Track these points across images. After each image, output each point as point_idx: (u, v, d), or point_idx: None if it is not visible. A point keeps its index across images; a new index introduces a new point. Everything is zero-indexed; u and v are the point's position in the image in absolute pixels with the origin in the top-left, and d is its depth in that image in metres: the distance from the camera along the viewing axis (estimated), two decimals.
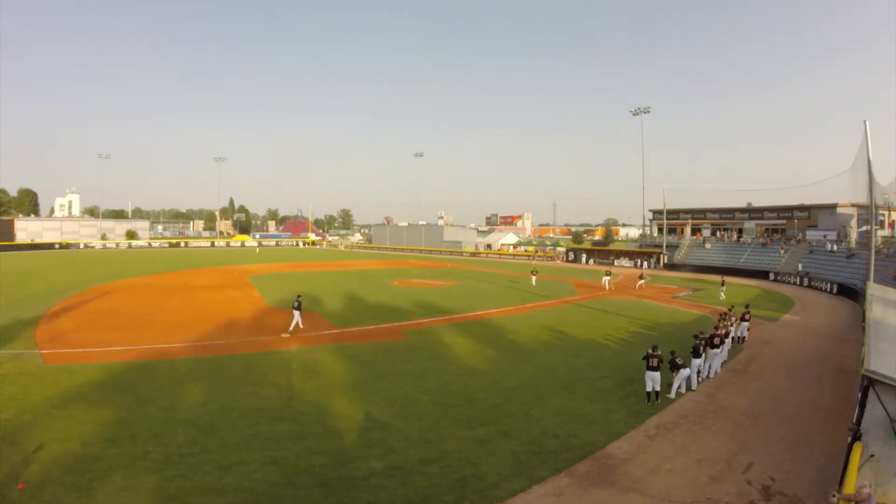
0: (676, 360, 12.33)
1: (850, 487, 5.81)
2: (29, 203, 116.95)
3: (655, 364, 11.75)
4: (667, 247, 55.01)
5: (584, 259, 60.91)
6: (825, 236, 46.78)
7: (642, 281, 35.61)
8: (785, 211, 53.84)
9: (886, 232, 44.81)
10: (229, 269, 41.95)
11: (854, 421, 7.49)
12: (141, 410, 10.73)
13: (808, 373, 15.02)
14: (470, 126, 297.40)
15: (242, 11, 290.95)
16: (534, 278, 37.33)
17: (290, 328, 18.80)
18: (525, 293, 32.09)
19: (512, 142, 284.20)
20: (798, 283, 39.90)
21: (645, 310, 26.39)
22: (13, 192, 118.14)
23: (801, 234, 50.10)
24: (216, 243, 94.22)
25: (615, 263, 56.62)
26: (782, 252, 46.07)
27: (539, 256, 66.79)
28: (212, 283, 35.28)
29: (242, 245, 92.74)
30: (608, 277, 35.70)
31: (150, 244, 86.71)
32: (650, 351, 12.14)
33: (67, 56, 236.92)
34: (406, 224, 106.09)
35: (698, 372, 13.32)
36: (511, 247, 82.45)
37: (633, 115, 59.96)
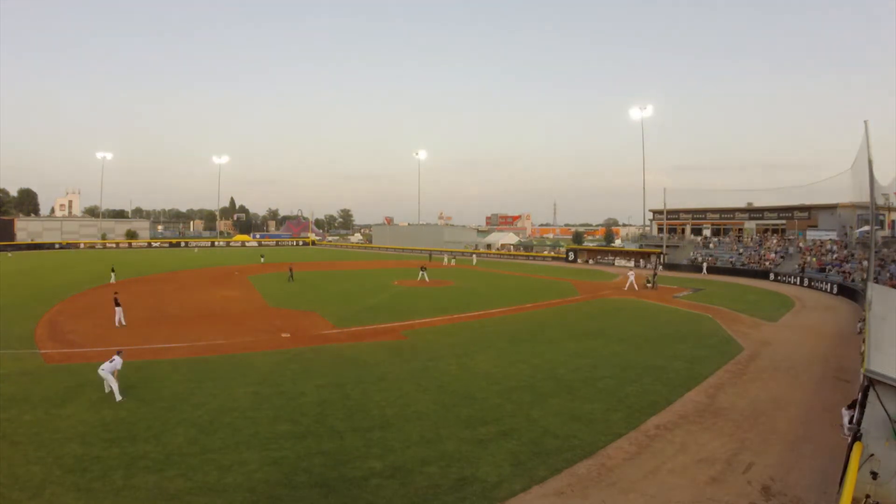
0: None
1: (849, 488, 5.80)
2: (29, 203, 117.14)
3: None
4: (667, 247, 55.00)
5: (584, 259, 60.90)
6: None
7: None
8: (785, 211, 53.81)
9: (886, 232, 44.76)
10: (229, 268, 41.99)
11: (854, 421, 7.48)
12: (141, 410, 10.73)
13: (808, 373, 15.00)
14: (470, 126, 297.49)
15: (242, 11, 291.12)
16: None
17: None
18: (525, 293, 32.08)
19: (512, 141, 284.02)
20: (798, 282, 39.91)
21: (645, 309, 26.39)
22: (13, 192, 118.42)
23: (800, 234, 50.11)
24: (216, 243, 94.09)
25: (615, 263, 56.57)
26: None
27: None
28: (212, 282, 35.26)
29: (243, 245, 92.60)
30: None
31: (149, 244, 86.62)
32: None
33: (68, 56, 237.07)
34: (406, 224, 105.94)
35: None
36: (511, 247, 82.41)
37: (634, 114, 59.95)
